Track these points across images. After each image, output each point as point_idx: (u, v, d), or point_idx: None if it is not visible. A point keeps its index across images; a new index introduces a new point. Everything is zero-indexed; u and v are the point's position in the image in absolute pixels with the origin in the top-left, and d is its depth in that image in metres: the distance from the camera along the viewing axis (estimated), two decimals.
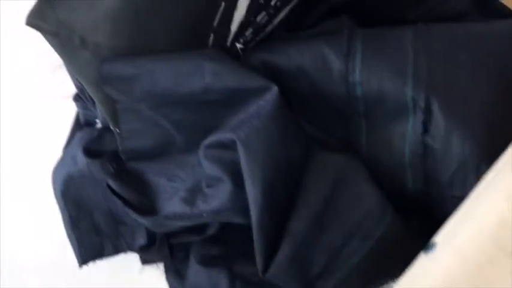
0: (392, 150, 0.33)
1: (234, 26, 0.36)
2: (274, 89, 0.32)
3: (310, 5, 0.38)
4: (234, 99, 0.34)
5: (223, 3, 0.34)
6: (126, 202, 0.37)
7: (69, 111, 0.45)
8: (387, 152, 0.33)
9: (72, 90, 0.44)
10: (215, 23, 0.35)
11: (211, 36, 0.36)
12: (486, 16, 0.39)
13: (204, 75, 0.33)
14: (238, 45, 0.36)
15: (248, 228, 0.33)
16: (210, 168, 0.34)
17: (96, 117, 0.43)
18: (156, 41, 0.35)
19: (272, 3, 0.35)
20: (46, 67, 0.44)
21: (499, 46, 0.35)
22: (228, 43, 0.37)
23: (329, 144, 0.35)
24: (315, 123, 0.36)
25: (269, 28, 0.37)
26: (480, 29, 0.36)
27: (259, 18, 0.36)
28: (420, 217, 0.34)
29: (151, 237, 0.39)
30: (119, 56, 0.34)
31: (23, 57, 0.48)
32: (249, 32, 0.36)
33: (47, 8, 0.36)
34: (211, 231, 0.38)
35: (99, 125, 0.42)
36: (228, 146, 0.33)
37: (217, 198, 0.33)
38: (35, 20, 0.36)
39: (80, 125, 0.45)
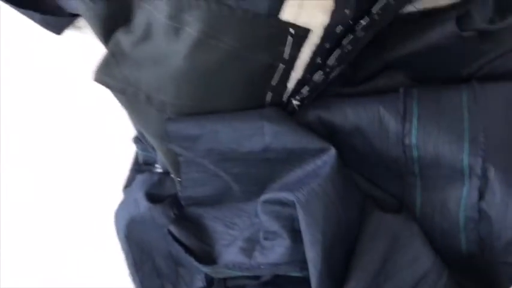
0: (447, 212, 0.34)
1: (291, 84, 0.37)
2: (332, 150, 0.34)
3: (365, 61, 0.39)
4: (292, 158, 0.35)
5: (281, 65, 0.36)
6: (187, 249, 0.39)
7: (128, 152, 0.47)
8: (441, 214, 0.34)
9: (131, 132, 0.47)
10: (273, 82, 0.37)
11: (269, 94, 0.37)
12: None
13: (264, 135, 0.35)
14: (295, 102, 0.38)
15: (303, 279, 0.35)
16: (267, 222, 0.36)
17: (155, 160, 0.46)
18: (218, 99, 0.37)
19: (329, 62, 0.36)
20: (106, 108, 0.46)
21: None
22: (285, 99, 0.38)
23: (384, 203, 0.36)
24: (369, 179, 0.37)
25: (324, 82, 0.38)
26: None
27: (316, 76, 0.37)
28: (473, 280, 0.34)
29: (210, 280, 0.41)
30: (183, 116, 0.36)
31: (82, 98, 0.51)
32: (305, 90, 0.37)
33: (114, 66, 0.39)
34: (267, 277, 0.39)
35: (159, 169, 0.44)
36: (286, 203, 0.34)
37: (275, 252, 0.35)
38: (103, 76, 0.39)
39: (138, 164, 0.48)
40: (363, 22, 0.35)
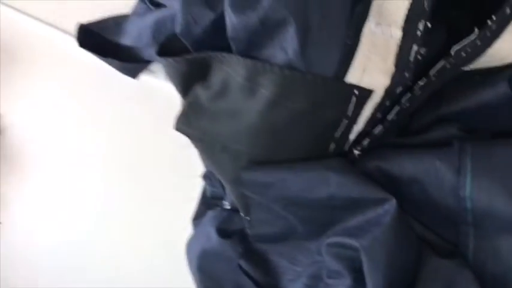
0: (500, 260, 0.37)
1: (353, 136, 0.41)
2: (393, 201, 0.37)
3: (421, 114, 0.42)
4: (354, 205, 0.39)
5: (345, 120, 0.40)
6: (255, 282, 0.43)
7: (195, 187, 0.52)
8: (495, 261, 0.37)
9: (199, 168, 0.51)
10: (337, 135, 0.41)
11: (332, 144, 0.41)
12: None
13: (330, 185, 0.39)
14: (356, 152, 0.42)
15: None
16: (330, 263, 0.40)
17: (222, 196, 0.50)
18: (287, 150, 0.41)
19: (389, 117, 0.40)
20: (176, 145, 0.51)
21: None
22: (346, 149, 0.42)
23: (439, 247, 0.39)
24: (424, 224, 0.40)
25: (383, 134, 0.42)
26: None
27: (376, 130, 0.41)
28: None
29: None
30: (257, 165, 0.41)
31: (154, 134, 0.56)
32: (366, 142, 0.41)
33: (192, 117, 0.43)
34: None
35: (227, 206, 0.49)
36: (349, 247, 0.38)
37: None
38: (183, 126, 0.44)
39: (206, 198, 0.52)
40: (421, 83, 0.39)
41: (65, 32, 0.61)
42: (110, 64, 0.55)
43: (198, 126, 0.43)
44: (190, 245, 0.49)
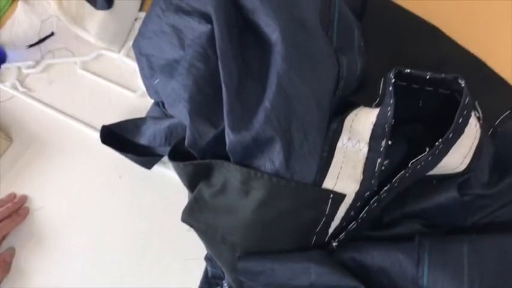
0: None
1: (331, 230, 0.49)
2: None
3: (389, 211, 0.51)
4: None
5: (324, 218, 0.48)
6: None
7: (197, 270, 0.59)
8: None
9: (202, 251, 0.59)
10: (317, 230, 0.49)
11: (314, 238, 0.49)
12: None
13: (310, 274, 0.46)
14: (334, 244, 0.49)
15: None
16: None
17: (221, 277, 0.58)
18: (275, 242, 0.49)
19: (360, 215, 0.48)
20: (181, 228, 0.58)
21: None
22: (325, 241, 0.50)
23: None
24: None
25: (357, 229, 0.50)
26: None
27: (350, 226, 0.48)
28: None
29: None
30: (249, 255, 0.48)
31: (158, 216, 0.64)
32: (342, 235, 0.49)
33: (197, 210, 0.52)
34: None
35: (226, 286, 0.56)
36: None
37: None
38: (189, 218, 0.52)
39: (208, 277, 0.60)
40: (386, 188, 0.47)
41: (91, 127, 0.71)
42: (128, 157, 0.64)
43: (202, 219, 0.51)
44: None
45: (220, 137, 0.48)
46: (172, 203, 0.64)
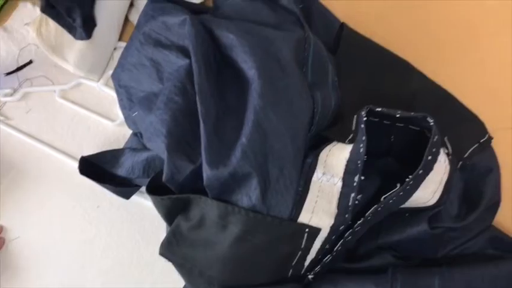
0: None
1: (307, 263, 0.50)
2: None
3: (363, 243, 0.52)
4: None
5: (300, 252, 0.49)
6: None
7: None
8: None
9: None
10: (293, 263, 0.50)
11: (290, 270, 0.50)
12: (499, 249, 0.52)
13: None
14: (310, 276, 0.50)
15: None
16: None
17: None
18: (253, 276, 0.49)
19: (335, 248, 0.49)
20: (160, 258, 0.58)
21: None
22: (301, 273, 0.51)
23: None
24: None
25: (332, 261, 0.51)
26: (493, 272, 0.48)
27: (325, 259, 0.49)
28: None
29: None
30: None
31: (136, 246, 0.64)
32: (317, 268, 0.50)
33: (175, 244, 0.52)
34: None
35: None
36: None
37: None
38: (167, 252, 0.52)
39: None
40: (359, 221, 0.48)
41: (69, 156, 0.71)
42: (106, 188, 0.64)
43: (179, 253, 0.51)
44: None
45: (198, 172, 0.49)
46: (151, 232, 0.64)
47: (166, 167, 0.49)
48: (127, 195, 0.65)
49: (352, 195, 0.47)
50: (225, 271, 0.49)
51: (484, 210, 0.51)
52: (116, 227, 0.65)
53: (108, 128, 0.72)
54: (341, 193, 0.47)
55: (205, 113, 0.49)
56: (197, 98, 0.50)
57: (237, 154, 0.46)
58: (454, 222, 0.50)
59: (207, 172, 0.47)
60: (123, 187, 0.63)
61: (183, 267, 0.51)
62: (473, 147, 0.54)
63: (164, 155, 0.50)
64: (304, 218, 0.47)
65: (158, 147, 0.51)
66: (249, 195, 0.47)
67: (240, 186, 0.47)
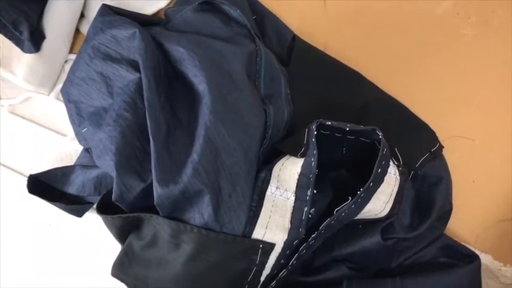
0: None
1: (263, 278, 0.50)
2: None
3: (318, 256, 0.52)
4: None
5: (255, 268, 0.48)
6: None
7: None
8: None
9: None
10: (249, 279, 0.49)
11: (246, 287, 0.50)
12: (452, 257, 0.53)
13: None
14: None
15: None
16: None
17: None
18: None
19: (290, 263, 0.49)
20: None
21: None
22: None
23: None
24: None
25: (287, 275, 0.50)
26: (446, 280, 0.49)
27: (281, 274, 0.49)
28: None
29: None
30: None
31: (90, 264, 0.62)
32: (273, 283, 0.49)
33: (127, 264, 0.51)
34: None
35: None
36: None
37: None
38: (119, 273, 0.51)
39: None
40: (313, 235, 0.48)
41: (19, 173, 0.68)
42: (57, 206, 0.62)
43: (131, 273, 0.50)
44: None
45: (149, 190, 0.48)
46: (106, 249, 0.62)
47: (116, 186, 0.48)
48: (79, 213, 0.63)
49: (305, 209, 0.47)
50: None
51: (436, 218, 0.51)
52: (70, 245, 0.63)
53: (59, 143, 0.70)
54: (294, 207, 0.47)
55: (155, 129, 0.48)
56: (147, 114, 0.49)
57: (188, 171, 0.46)
58: (406, 232, 0.50)
59: (157, 191, 0.46)
60: (75, 205, 0.61)
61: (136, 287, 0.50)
62: (425, 156, 0.55)
63: (113, 174, 0.48)
64: (258, 233, 0.47)
65: (107, 165, 0.50)
66: (201, 213, 0.46)
67: (192, 204, 0.47)
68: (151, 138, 0.48)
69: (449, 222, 0.55)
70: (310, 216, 0.47)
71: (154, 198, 0.47)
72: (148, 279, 0.49)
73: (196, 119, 0.49)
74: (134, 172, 0.49)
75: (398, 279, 0.48)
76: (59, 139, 0.71)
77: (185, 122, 0.50)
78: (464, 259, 0.52)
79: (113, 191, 0.48)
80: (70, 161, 0.68)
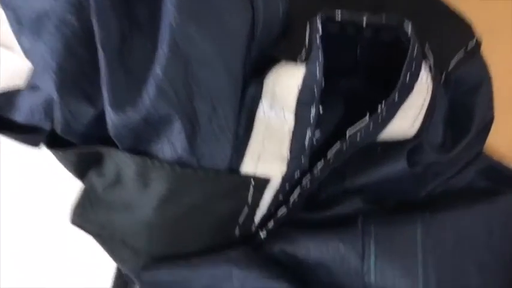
0: None
1: (258, 218, 0.40)
2: None
3: (326, 187, 0.41)
4: None
5: (246, 207, 0.38)
6: None
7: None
8: None
9: None
10: (240, 221, 0.39)
11: (237, 229, 0.40)
12: (494, 182, 0.42)
13: (232, 280, 0.37)
14: (262, 234, 0.40)
15: None
16: None
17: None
18: (189, 244, 0.39)
19: (291, 199, 0.39)
20: None
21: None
22: (253, 231, 0.40)
23: None
24: None
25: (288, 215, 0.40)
26: (488, 210, 0.39)
27: (279, 212, 0.39)
28: None
29: None
30: (156, 264, 0.38)
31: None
32: (270, 224, 0.40)
33: (89, 208, 0.41)
34: None
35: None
36: None
37: None
38: (80, 220, 0.41)
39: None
40: (319, 166, 0.37)
41: None
42: (7, 137, 0.51)
43: (95, 219, 0.40)
44: None
45: (104, 118, 0.36)
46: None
47: (60, 114, 0.37)
48: (35, 143, 0.52)
49: (308, 133, 0.36)
50: (152, 239, 0.38)
51: (476, 134, 0.40)
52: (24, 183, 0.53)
53: (7, 60, 0.58)
54: (293, 131, 0.36)
55: (105, 36, 0.35)
56: (93, 16, 0.36)
57: (150, 90, 0.34)
58: (438, 154, 0.39)
59: (111, 118, 0.35)
60: (27, 134, 0.50)
61: (100, 237, 0.41)
62: (459, 55, 0.43)
63: (55, 98, 0.36)
64: (248, 166, 0.36)
65: (48, 86, 0.38)
66: (172, 144, 0.35)
67: (160, 133, 0.35)
68: (99, 48, 0.35)
69: (488, 137, 0.43)
70: (314, 142, 0.36)
71: (109, 128, 0.35)
72: (115, 227, 0.39)
73: (159, 19, 0.36)
74: (82, 95, 0.37)
75: (427, 214, 0.38)
76: (6, 54, 0.58)
77: (146, 25, 0.37)
78: (509, 183, 0.41)
79: (55, 120, 0.37)
80: (21, 80, 0.56)
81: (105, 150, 0.37)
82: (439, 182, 0.41)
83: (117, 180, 0.39)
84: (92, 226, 0.40)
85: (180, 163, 0.35)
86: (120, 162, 0.38)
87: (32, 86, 0.49)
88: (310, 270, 0.39)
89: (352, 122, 0.36)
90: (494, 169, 0.42)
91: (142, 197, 0.38)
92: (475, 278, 0.36)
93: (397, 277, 0.36)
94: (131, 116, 0.34)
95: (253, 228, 0.41)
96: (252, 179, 0.36)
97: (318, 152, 0.38)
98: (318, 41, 0.33)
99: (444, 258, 0.36)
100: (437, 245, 0.37)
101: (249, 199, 0.37)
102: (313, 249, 0.38)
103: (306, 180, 0.38)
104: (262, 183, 0.37)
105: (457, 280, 0.36)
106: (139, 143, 0.36)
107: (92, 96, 0.37)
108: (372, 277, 0.36)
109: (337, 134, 0.38)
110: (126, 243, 0.40)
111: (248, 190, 0.37)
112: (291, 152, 0.36)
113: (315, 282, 0.39)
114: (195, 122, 0.35)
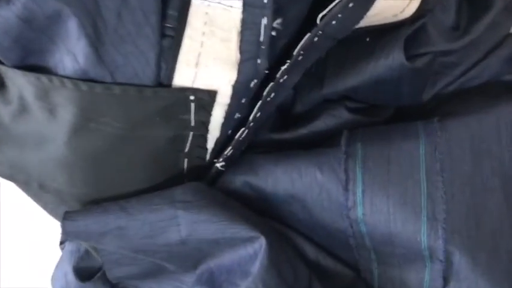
0: None
1: (210, 144, 0.30)
2: (262, 240, 0.28)
3: (301, 94, 0.31)
4: (217, 245, 0.29)
5: (191, 133, 0.29)
6: None
7: None
8: None
9: None
10: (186, 149, 0.30)
11: (185, 160, 0.31)
12: None
13: (180, 226, 0.29)
14: (218, 165, 0.31)
15: None
16: None
17: None
18: (120, 183, 0.30)
19: (251, 117, 0.29)
20: None
21: None
22: (206, 161, 0.31)
23: (337, 276, 0.30)
24: (317, 246, 0.31)
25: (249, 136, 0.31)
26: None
27: (237, 134, 0.30)
28: None
29: None
30: (80, 211, 0.30)
31: None
32: (228, 149, 0.30)
33: None
34: None
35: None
36: None
37: None
38: None
39: None
40: (284, 67, 0.27)
41: None
42: None
43: (5, 159, 0.32)
44: (52, 284, 0.39)
45: None
46: None
47: None
48: None
49: (264, 21, 0.25)
50: (73, 180, 0.30)
51: (501, 9, 0.29)
52: None
53: None
54: (243, 21, 0.25)
55: None
56: None
57: None
58: (448, 41, 0.28)
59: None
60: None
61: (15, 180, 0.32)
62: None
63: None
64: (183, 77, 0.26)
65: None
66: (72, 53, 0.25)
67: (54, 40, 0.25)
68: None
69: None
70: (274, 34, 0.25)
71: None
72: (28, 165, 0.30)
73: None
74: None
75: (435, 123, 0.28)
76: None
77: None
78: None
79: None
80: None
81: (3, 69, 0.27)
82: (450, 78, 0.30)
83: (23, 109, 0.30)
84: (3, 168, 0.31)
85: (87, 79, 0.25)
86: (17, 83, 0.28)
87: None
88: (281, 205, 0.30)
89: (324, 6, 0.26)
90: None
91: (52, 127, 0.28)
92: (498, 208, 0.27)
93: (392, 209, 0.27)
94: (5, 15, 0.24)
95: (208, 158, 0.31)
96: (190, 94, 0.26)
97: (282, 53, 0.28)
98: None
99: (457, 181, 0.27)
100: (447, 164, 0.27)
101: (192, 121, 0.28)
102: (283, 180, 0.29)
103: (269, 89, 0.28)
104: (205, 97, 0.27)
105: (474, 210, 0.27)
106: (31, 56, 0.26)
107: None
108: (359, 211, 0.27)
109: (306, 23, 0.27)
110: (46, 186, 0.31)
111: (189, 109, 0.27)
112: (242, 51, 0.26)
113: (289, 217, 0.30)
114: (99, 19, 0.24)
